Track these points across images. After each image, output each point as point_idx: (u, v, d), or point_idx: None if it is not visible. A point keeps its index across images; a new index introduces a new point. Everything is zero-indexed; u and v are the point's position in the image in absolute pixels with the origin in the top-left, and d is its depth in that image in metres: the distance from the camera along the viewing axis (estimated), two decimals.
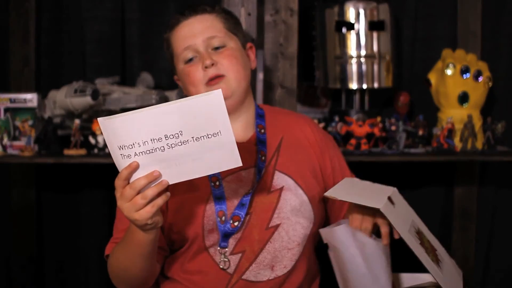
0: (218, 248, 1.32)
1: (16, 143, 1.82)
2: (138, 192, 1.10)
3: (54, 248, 2.18)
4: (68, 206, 2.17)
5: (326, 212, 1.48)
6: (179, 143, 1.07)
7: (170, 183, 1.11)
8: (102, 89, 1.88)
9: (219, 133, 1.07)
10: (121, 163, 1.09)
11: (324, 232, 1.29)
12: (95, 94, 1.82)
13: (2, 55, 2.06)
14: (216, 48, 1.37)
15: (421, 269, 1.38)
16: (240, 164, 1.11)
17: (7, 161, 1.83)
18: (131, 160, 1.08)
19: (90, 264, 2.16)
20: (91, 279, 2.17)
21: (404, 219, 1.27)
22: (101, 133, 1.78)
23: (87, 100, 1.81)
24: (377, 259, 1.25)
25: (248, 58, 1.45)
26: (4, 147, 1.82)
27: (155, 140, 1.07)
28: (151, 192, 1.09)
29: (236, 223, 1.32)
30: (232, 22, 1.42)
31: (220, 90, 1.05)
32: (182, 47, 1.38)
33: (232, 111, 1.31)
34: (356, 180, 1.40)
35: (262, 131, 1.42)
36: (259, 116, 1.44)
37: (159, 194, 1.11)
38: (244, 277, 1.32)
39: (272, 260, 1.34)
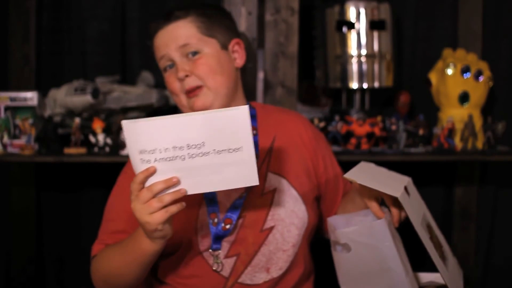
0: (210, 250, 1.31)
1: (16, 141, 1.82)
2: (154, 196, 1.08)
3: (54, 247, 2.17)
4: (68, 205, 2.16)
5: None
6: (200, 154, 1.05)
7: (188, 193, 1.09)
8: (102, 88, 1.87)
9: (241, 149, 1.05)
10: (140, 167, 1.08)
11: (345, 232, 1.23)
12: (95, 93, 1.82)
13: (2, 53, 2.06)
14: (193, 54, 1.35)
15: (420, 269, 1.38)
16: (257, 183, 1.08)
17: (7, 159, 1.82)
18: (149, 165, 1.07)
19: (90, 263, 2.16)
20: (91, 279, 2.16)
21: (417, 211, 1.26)
22: (102, 132, 1.80)
23: (87, 99, 1.81)
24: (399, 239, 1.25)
25: (230, 58, 1.41)
26: (4, 146, 1.81)
27: (176, 148, 1.05)
28: (168, 197, 1.08)
29: (228, 226, 1.30)
30: (208, 24, 1.37)
31: (247, 106, 1.03)
32: (158, 57, 1.39)
33: None
34: (372, 165, 1.38)
35: (254, 132, 1.40)
36: (251, 116, 1.43)
37: (174, 202, 1.09)
38: (240, 280, 1.32)
39: (267, 263, 1.33)
